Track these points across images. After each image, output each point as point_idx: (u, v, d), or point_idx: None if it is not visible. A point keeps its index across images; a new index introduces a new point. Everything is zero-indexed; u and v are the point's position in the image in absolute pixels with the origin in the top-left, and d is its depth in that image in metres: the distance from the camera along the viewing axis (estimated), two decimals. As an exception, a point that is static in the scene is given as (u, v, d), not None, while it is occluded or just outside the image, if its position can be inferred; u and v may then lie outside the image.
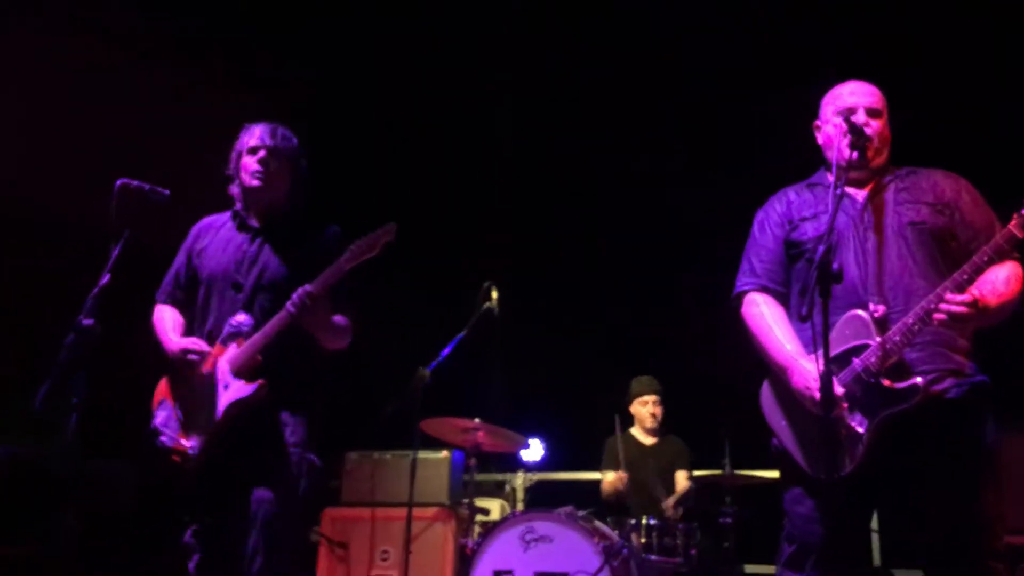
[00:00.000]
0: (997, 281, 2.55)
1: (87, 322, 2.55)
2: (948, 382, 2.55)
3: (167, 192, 2.82)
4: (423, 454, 5.11)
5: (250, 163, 3.14)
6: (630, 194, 6.82)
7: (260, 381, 2.91)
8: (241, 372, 2.93)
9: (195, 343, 3.02)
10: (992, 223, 2.67)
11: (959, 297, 2.43)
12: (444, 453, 5.31)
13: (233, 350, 2.96)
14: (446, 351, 4.63)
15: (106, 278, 2.66)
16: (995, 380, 2.63)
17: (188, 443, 2.94)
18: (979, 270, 2.46)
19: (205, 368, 2.98)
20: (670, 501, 5.04)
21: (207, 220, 3.29)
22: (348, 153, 7.24)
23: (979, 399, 2.57)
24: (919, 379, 2.50)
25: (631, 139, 6.78)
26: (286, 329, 2.92)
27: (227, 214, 3.26)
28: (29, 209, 5.13)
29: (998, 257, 2.47)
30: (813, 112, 2.95)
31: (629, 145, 6.80)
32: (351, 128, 7.29)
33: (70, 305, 2.71)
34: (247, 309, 3.01)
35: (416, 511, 4.76)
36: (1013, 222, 2.45)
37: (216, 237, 3.20)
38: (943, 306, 2.45)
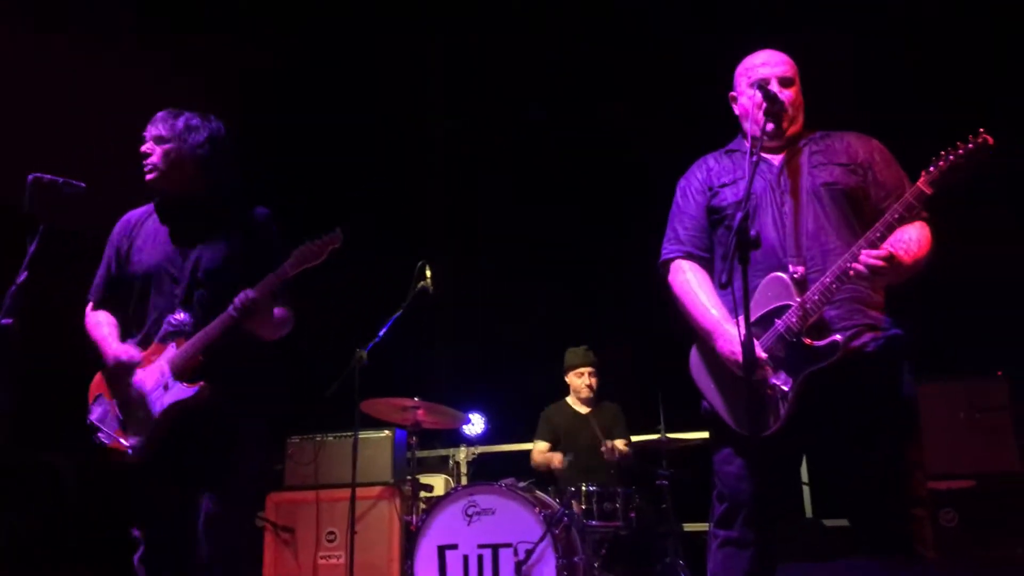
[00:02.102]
0: (910, 241, 2.63)
1: (6, 321, 2.49)
2: (866, 337, 2.63)
3: (83, 184, 2.75)
4: (364, 434, 5.12)
5: (146, 153, 3.03)
6: (560, 166, 6.86)
7: (200, 383, 2.85)
8: (182, 373, 2.86)
9: (129, 355, 2.93)
10: (902, 181, 2.74)
11: (875, 252, 2.51)
12: (386, 432, 5.32)
13: (172, 350, 2.89)
14: (382, 331, 4.63)
15: (24, 275, 2.60)
16: (908, 332, 2.73)
17: (127, 442, 2.88)
18: (891, 227, 2.53)
19: (144, 366, 2.90)
20: (614, 444, 5.11)
21: (130, 214, 3.18)
22: (281, 134, 7.14)
23: (896, 351, 2.66)
24: (838, 336, 2.57)
25: (562, 110, 6.80)
26: (229, 331, 2.86)
27: (149, 207, 3.16)
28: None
29: (908, 214, 2.54)
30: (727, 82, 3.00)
31: (558, 115, 6.82)
32: (284, 107, 7.17)
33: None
34: (185, 305, 2.93)
35: (360, 491, 4.79)
36: (921, 179, 2.52)
37: (142, 231, 3.09)
38: (862, 258, 2.51)
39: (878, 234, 2.54)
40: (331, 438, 5.42)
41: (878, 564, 2.48)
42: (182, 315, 2.91)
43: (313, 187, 6.98)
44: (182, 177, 3.03)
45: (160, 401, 2.86)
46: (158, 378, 2.88)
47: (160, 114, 3.06)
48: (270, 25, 6.83)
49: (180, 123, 3.04)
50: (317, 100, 7.13)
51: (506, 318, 6.69)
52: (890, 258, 2.51)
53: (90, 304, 3.14)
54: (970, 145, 2.47)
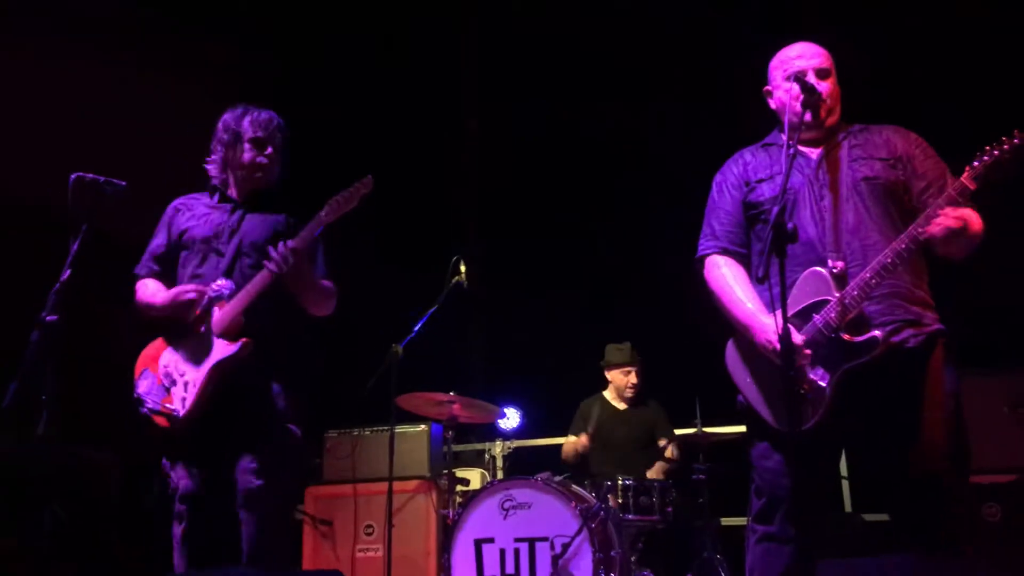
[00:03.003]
0: (970, 214, 2.59)
1: (51, 318, 2.54)
2: (906, 332, 2.61)
3: (123, 183, 2.79)
4: (401, 428, 5.15)
5: (253, 156, 3.21)
6: (598, 162, 6.84)
7: (243, 340, 2.97)
8: (225, 333, 2.99)
9: (185, 286, 3.07)
10: (944, 173, 2.71)
11: (953, 211, 2.47)
12: (422, 427, 5.35)
13: (216, 312, 3.02)
14: (418, 326, 4.65)
15: (67, 273, 2.65)
16: (951, 325, 2.69)
17: (173, 405, 2.98)
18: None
19: (195, 328, 3.04)
20: (654, 471, 5.15)
21: (183, 199, 3.34)
22: (314, 129, 7.19)
23: (937, 347, 2.63)
24: (878, 332, 2.55)
25: (600, 104, 6.78)
26: (269, 289, 2.98)
27: (202, 193, 3.32)
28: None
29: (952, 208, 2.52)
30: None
31: (597, 110, 6.80)
32: (316, 103, 7.23)
33: (38, 301, 2.70)
34: (228, 275, 3.07)
35: (397, 485, 4.81)
36: (965, 174, 2.50)
37: (195, 212, 3.25)
38: (937, 221, 2.47)
39: (921, 228, 2.51)
40: (368, 432, 5.46)
41: (919, 559, 2.46)
42: (224, 281, 3.04)
43: (349, 179, 7.03)
44: (272, 175, 3.27)
45: (207, 359, 2.99)
46: (204, 340, 3.01)
47: (271, 117, 3.26)
48: (300, 21, 6.91)
49: (277, 126, 3.26)
50: (350, 96, 7.18)
51: (541, 312, 6.69)
52: (965, 220, 2.49)
53: (138, 281, 3.27)
54: (1016, 140, 2.44)
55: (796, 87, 2.70)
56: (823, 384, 2.58)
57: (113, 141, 5.53)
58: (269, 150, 3.22)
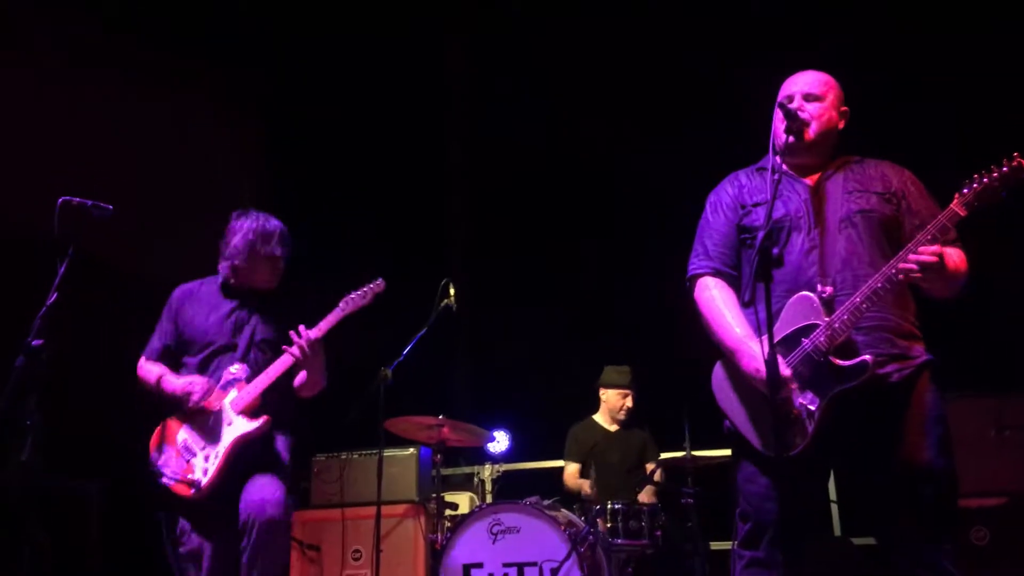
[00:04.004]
0: (953, 254, 2.63)
1: (36, 343, 2.53)
2: (891, 367, 2.61)
3: (110, 207, 2.80)
4: (389, 452, 5.12)
5: (267, 269, 3.55)
6: (586, 186, 6.86)
7: (265, 417, 3.36)
8: (244, 411, 3.36)
9: (193, 380, 3.39)
10: (935, 212, 2.73)
11: (929, 248, 2.49)
12: (410, 450, 5.33)
13: (235, 394, 3.38)
14: (407, 349, 4.64)
15: (53, 296, 2.64)
16: (938, 349, 2.70)
17: (195, 476, 3.31)
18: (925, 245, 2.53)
19: (212, 408, 3.37)
20: (644, 495, 5.15)
21: (186, 288, 3.63)
22: (303, 150, 7.21)
23: (923, 376, 2.64)
24: (868, 356, 2.55)
25: (587, 123, 6.81)
26: (287, 372, 3.37)
27: (205, 281, 3.63)
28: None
29: (941, 235, 2.54)
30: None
31: (584, 130, 6.82)
32: (306, 125, 7.25)
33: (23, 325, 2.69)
34: (242, 361, 3.45)
35: (385, 509, 4.79)
36: (955, 200, 2.53)
37: (202, 304, 3.56)
38: (912, 256, 2.49)
39: (893, 267, 2.54)
40: (356, 456, 5.43)
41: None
42: (240, 366, 3.42)
43: (335, 206, 7.04)
44: (274, 279, 3.60)
45: (228, 434, 3.34)
46: (224, 417, 3.36)
47: (283, 232, 3.57)
48: (291, 36, 6.94)
49: (288, 241, 3.58)
50: (336, 118, 7.20)
51: (530, 336, 6.69)
52: (941, 255, 2.50)
53: (142, 358, 3.57)
54: (1004, 168, 2.48)
55: (780, 111, 2.73)
56: (812, 408, 2.58)
57: (101, 163, 5.54)
58: (280, 266, 3.57)
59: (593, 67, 6.74)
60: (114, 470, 3.77)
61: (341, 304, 3.46)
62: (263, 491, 3.27)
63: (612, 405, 5.50)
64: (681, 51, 6.29)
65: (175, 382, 3.42)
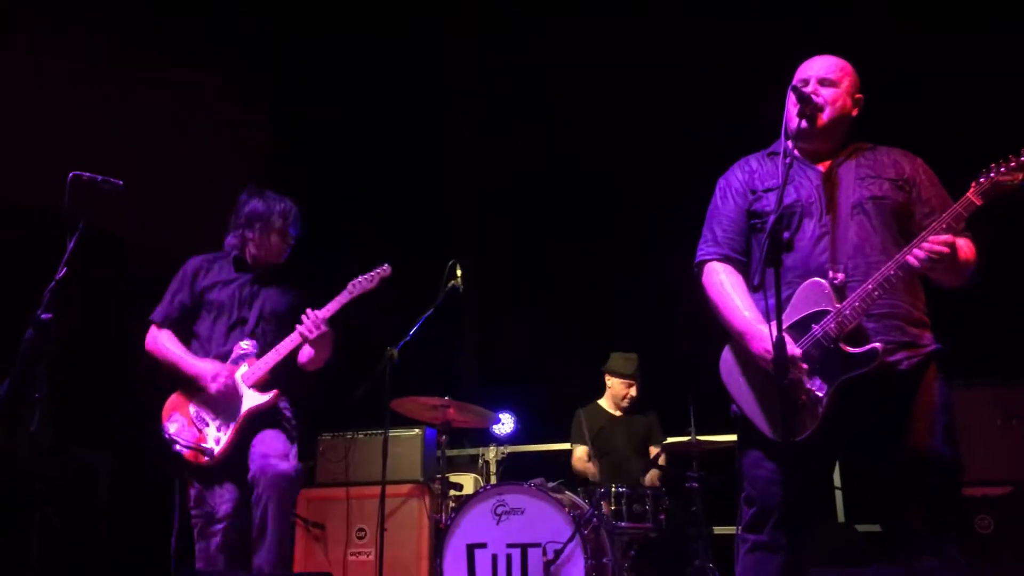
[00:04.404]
0: (963, 244, 2.63)
1: (45, 316, 2.54)
2: (900, 355, 2.61)
3: (120, 182, 2.80)
4: (395, 432, 5.14)
5: (278, 243, 3.74)
6: (594, 166, 6.84)
7: (275, 391, 3.58)
8: (255, 385, 3.56)
9: (219, 368, 3.56)
10: (946, 200, 2.73)
11: (941, 237, 2.49)
12: (416, 431, 5.34)
13: (245, 368, 3.58)
14: (413, 330, 4.65)
15: (63, 271, 2.65)
16: (945, 338, 2.70)
17: (208, 445, 3.51)
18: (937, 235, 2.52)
19: (227, 382, 3.55)
20: (649, 479, 5.15)
21: (200, 259, 3.78)
22: (311, 132, 7.21)
23: (931, 366, 2.64)
24: (878, 344, 2.55)
25: (596, 108, 6.79)
26: (295, 350, 3.58)
27: (216, 255, 3.79)
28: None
29: (955, 224, 2.53)
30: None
31: (593, 114, 6.80)
32: (313, 107, 7.24)
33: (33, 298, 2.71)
34: (251, 336, 3.64)
35: (390, 489, 4.80)
36: (971, 190, 2.52)
37: (215, 276, 3.73)
38: (925, 245, 2.49)
39: (903, 257, 2.53)
40: (362, 436, 5.45)
41: (911, 570, 2.46)
42: (250, 343, 3.61)
43: (343, 184, 7.04)
44: (282, 255, 3.80)
45: (240, 407, 3.54)
46: (235, 390, 3.55)
47: (296, 211, 3.75)
48: (298, 18, 6.93)
49: (298, 217, 3.76)
50: (347, 94, 7.19)
51: (537, 318, 6.68)
52: (952, 245, 2.49)
53: (153, 326, 3.71)
54: (1022, 158, 2.46)
55: (794, 96, 2.71)
56: (820, 394, 2.58)
57: (111, 140, 5.56)
58: (292, 243, 3.77)
59: (605, 54, 6.71)
60: (121, 443, 3.81)
61: (348, 287, 3.63)
62: (270, 445, 3.46)
63: (616, 392, 5.50)
64: (694, 43, 6.26)
65: (198, 365, 3.58)
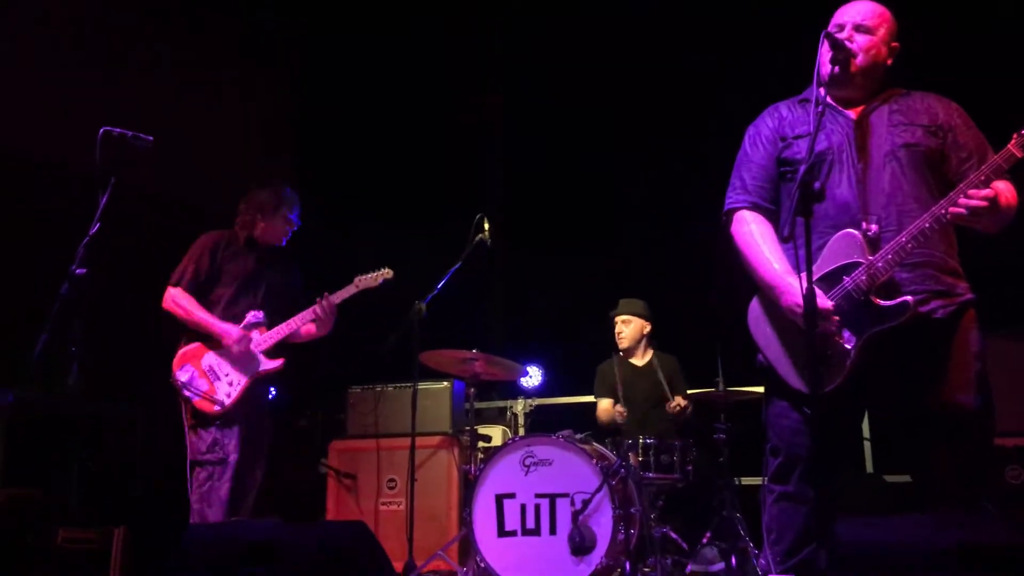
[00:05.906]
0: (1005, 189, 2.58)
1: (80, 271, 2.57)
2: (934, 303, 2.58)
3: (150, 138, 2.82)
4: (424, 385, 5.18)
5: (283, 227, 4.24)
6: (620, 119, 6.77)
7: (283, 359, 4.12)
8: (266, 351, 4.08)
9: (243, 332, 4.02)
10: (984, 144, 2.68)
11: (981, 192, 2.45)
12: (444, 384, 5.38)
13: (257, 335, 4.08)
14: (441, 284, 4.67)
15: (96, 226, 2.67)
16: (978, 287, 2.67)
17: (218, 396, 3.94)
18: (976, 188, 2.48)
19: (249, 345, 4.05)
20: (678, 402, 5.14)
21: (216, 236, 4.20)
22: (340, 91, 7.19)
23: (967, 315, 2.61)
24: (909, 297, 2.52)
25: (623, 62, 6.70)
26: (304, 323, 4.14)
27: (229, 233, 4.22)
28: (28, 160, 5.13)
29: (994, 176, 2.49)
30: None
31: (620, 68, 6.72)
32: (341, 66, 7.22)
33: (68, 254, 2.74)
34: (261, 307, 4.13)
35: (419, 440, 4.87)
36: (1013, 141, 2.48)
37: (231, 251, 4.18)
38: (962, 201, 2.46)
39: (944, 208, 2.49)
40: (391, 388, 5.50)
41: (940, 519, 2.46)
42: (259, 312, 4.11)
43: (374, 143, 7.04)
44: (285, 237, 4.31)
45: (251, 368, 4.05)
46: (248, 353, 4.05)
47: (297, 201, 4.27)
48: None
49: (299, 209, 4.28)
50: (375, 53, 7.16)
51: (564, 271, 6.68)
52: (994, 199, 2.46)
53: (172, 288, 4.06)
54: None
55: (827, 42, 2.65)
56: (849, 347, 2.57)
57: (140, 99, 5.61)
58: (294, 227, 4.28)
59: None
60: (159, 396, 3.94)
61: (355, 282, 4.19)
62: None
63: (616, 333, 5.49)
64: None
65: (222, 326, 4.02)
